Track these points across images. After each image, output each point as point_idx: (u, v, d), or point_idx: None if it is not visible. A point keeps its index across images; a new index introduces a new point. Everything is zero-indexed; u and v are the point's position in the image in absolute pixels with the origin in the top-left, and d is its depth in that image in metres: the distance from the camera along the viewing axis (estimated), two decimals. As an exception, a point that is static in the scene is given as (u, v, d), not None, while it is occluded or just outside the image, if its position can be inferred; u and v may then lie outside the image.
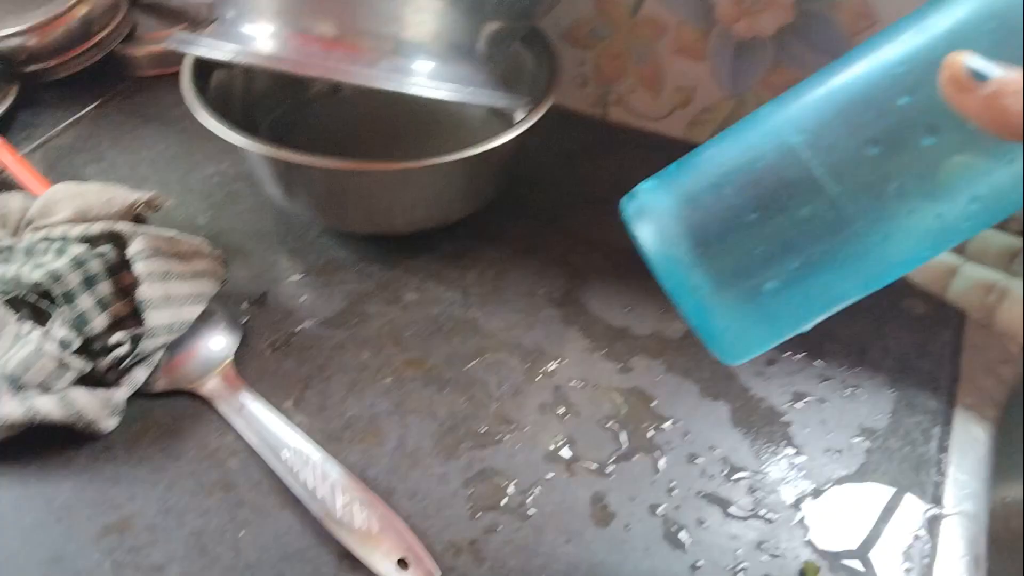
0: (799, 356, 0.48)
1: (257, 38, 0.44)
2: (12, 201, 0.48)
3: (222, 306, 0.47)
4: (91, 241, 0.44)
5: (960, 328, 0.50)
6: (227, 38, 0.45)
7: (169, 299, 0.43)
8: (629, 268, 0.53)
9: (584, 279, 0.52)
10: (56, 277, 0.41)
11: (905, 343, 0.49)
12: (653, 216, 0.29)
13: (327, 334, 0.47)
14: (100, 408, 0.40)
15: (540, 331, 0.49)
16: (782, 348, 0.48)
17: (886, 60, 0.26)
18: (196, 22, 0.72)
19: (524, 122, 0.48)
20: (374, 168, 0.45)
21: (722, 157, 0.29)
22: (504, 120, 0.57)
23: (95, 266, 0.42)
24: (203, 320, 0.45)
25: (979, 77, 0.22)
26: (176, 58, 0.68)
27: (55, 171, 0.58)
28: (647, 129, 0.65)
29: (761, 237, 0.27)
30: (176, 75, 0.68)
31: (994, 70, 0.22)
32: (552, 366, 0.47)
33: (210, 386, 0.43)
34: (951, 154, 0.25)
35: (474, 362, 0.46)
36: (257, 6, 0.44)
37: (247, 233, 0.54)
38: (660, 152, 0.63)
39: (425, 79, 0.44)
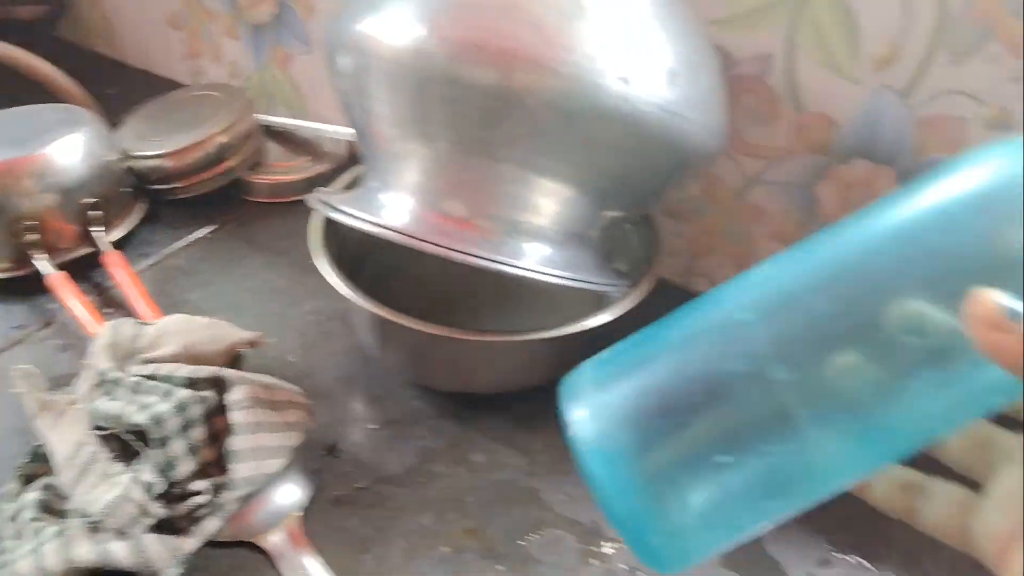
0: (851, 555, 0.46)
1: (393, 209, 0.47)
2: (124, 328, 0.51)
3: (298, 454, 0.49)
4: (195, 384, 0.46)
5: None
6: (365, 205, 0.47)
7: (256, 451, 0.45)
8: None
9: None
10: (158, 421, 0.43)
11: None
12: (591, 406, 0.27)
13: (393, 492, 0.49)
14: (167, 556, 0.41)
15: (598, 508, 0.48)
16: (835, 544, 0.47)
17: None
18: (320, 155, 0.77)
19: (621, 305, 0.49)
20: (467, 338, 0.47)
21: (671, 358, 0.27)
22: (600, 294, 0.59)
23: (195, 411, 0.45)
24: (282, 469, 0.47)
25: (1014, 317, 0.21)
26: (291, 188, 0.74)
27: (163, 293, 0.62)
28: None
29: (708, 445, 0.25)
30: (291, 204, 0.73)
31: None
32: (608, 549, 0.46)
33: (273, 540, 0.45)
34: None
35: (531, 536, 0.47)
36: (399, 181, 0.47)
37: (333, 375, 0.56)
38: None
39: (539, 263, 0.46)
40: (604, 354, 0.29)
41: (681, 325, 0.28)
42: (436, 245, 0.43)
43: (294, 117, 0.82)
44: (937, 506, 0.29)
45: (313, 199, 0.49)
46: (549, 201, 0.45)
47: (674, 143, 0.43)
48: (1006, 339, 0.21)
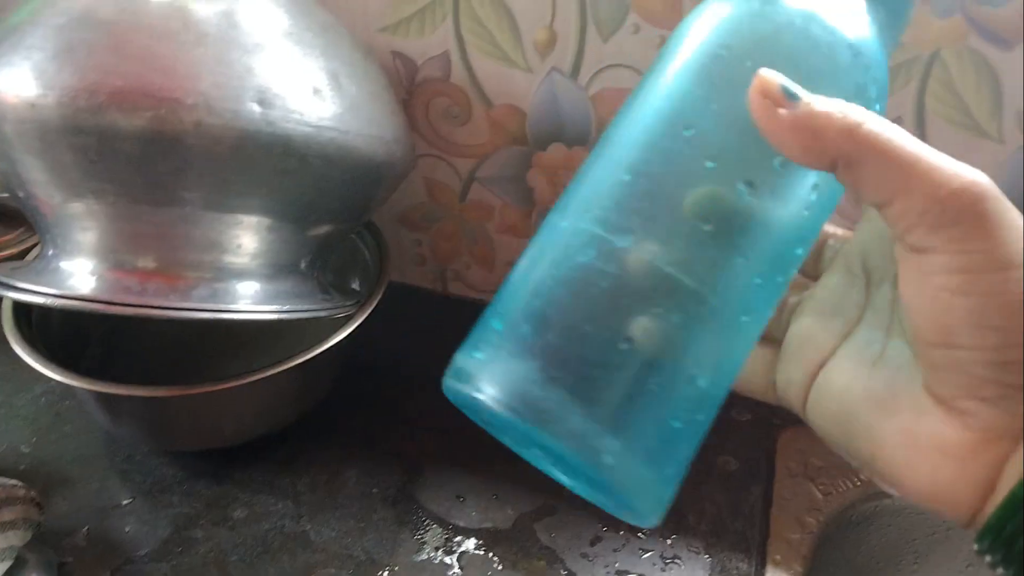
0: (621, 531, 0.49)
1: (75, 276, 0.44)
2: None
3: (37, 552, 0.45)
4: None
5: (770, 481, 0.52)
6: (44, 277, 0.44)
7: (-30, 558, 0.42)
8: (463, 452, 0.53)
9: (418, 471, 0.52)
10: None
11: (719, 503, 0.51)
12: (501, 377, 0.24)
13: (149, 569, 0.46)
14: None
15: (372, 537, 0.48)
16: (606, 524, 0.49)
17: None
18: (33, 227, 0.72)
19: (352, 322, 0.49)
20: (198, 392, 0.45)
21: (548, 285, 0.25)
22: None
23: None
24: (10, 572, 0.43)
25: (791, 97, 0.22)
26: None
27: None
28: (485, 301, 0.66)
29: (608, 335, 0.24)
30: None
31: (805, 93, 0.22)
32: (384, 574, 0.46)
33: (13, 651, 0.41)
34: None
35: (303, 582, 0.46)
36: (77, 245, 0.44)
37: (73, 458, 0.53)
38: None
39: (246, 303, 0.44)
40: (471, 334, 0.27)
41: (520, 267, 0.28)
42: (123, 306, 0.41)
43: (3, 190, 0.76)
44: (747, 369, 0.30)
45: None
46: (245, 236, 0.44)
47: (339, 157, 0.43)
48: (783, 117, 0.22)
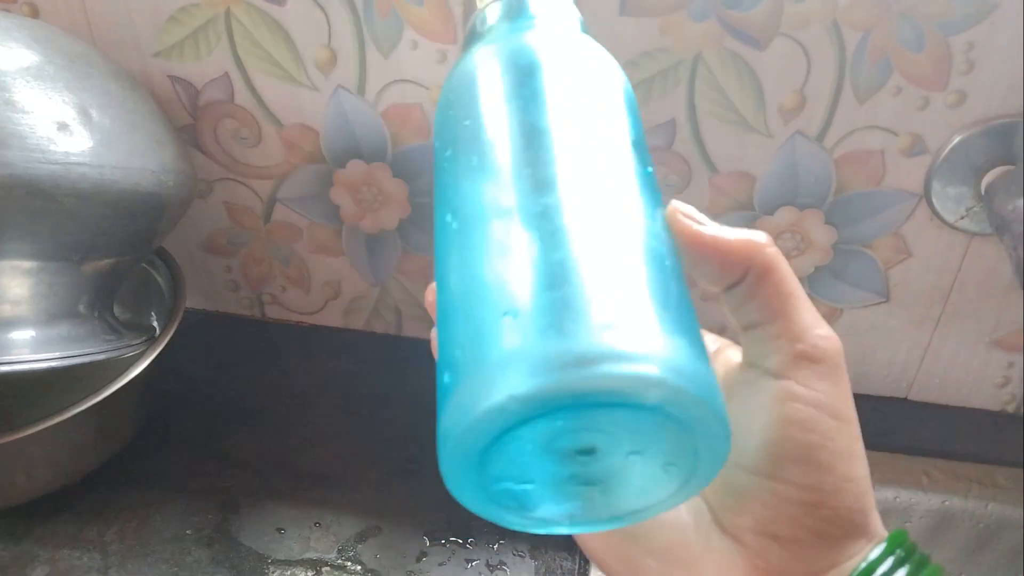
0: (446, 543, 0.49)
1: None
2: None
3: None
4: None
5: None
6: None
7: None
8: (284, 484, 0.52)
9: (236, 507, 0.51)
10: None
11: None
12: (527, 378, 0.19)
13: (-67, 646, 0.43)
14: None
15: (186, 580, 0.47)
16: (431, 539, 0.49)
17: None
18: None
19: (145, 358, 0.47)
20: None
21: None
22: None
23: None
24: None
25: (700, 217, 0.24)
26: None
27: None
28: (306, 323, 0.66)
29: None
30: None
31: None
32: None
33: None
34: None
35: (109, 638, 0.44)
36: None
37: None
38: (319, 344, 0.64)
39: (22, 352, 0.42)
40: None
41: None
42: None
43: None
44: None
45: None
46: (11, 282, 0.42)
47: (94, 193, 0.41)
48: (705, 232, 0.23)
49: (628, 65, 0.48)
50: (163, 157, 0.46)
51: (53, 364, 0.42)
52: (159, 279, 0.56)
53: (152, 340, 0.49)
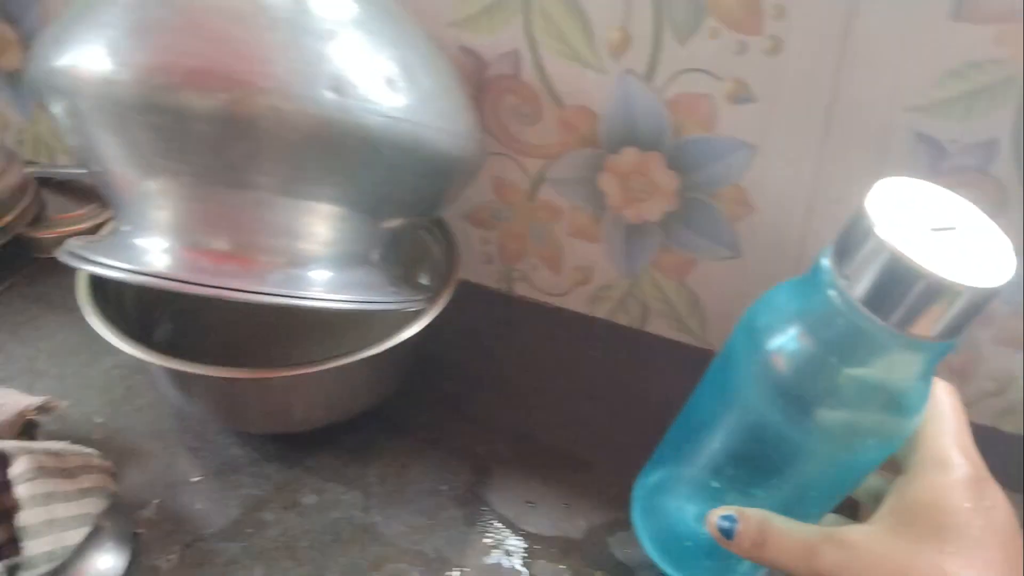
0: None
1: (150, 253, 0.44)
2: None
3: (112, 520, 0.46)
4: (-30, 464, 0.43)
5: None
6: (120, 252, 0.45)
7: (52, 523, 0.42)
8: (532, 457, 0.53)
9: (488, 472, 0.52)
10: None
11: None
12: None
13: (221, 547, 0.46)
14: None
15: (442, 535, 0.48)
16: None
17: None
18: (105, 202, 0.73)
19: (424, 317, 0.49)
20: (269, 376, 0.45)
21: None
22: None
23: (-30, 493, 0.41)
24: (89, 538, 0.44)
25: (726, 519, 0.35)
26: (82, 241, 0.69)
27: (-56, 366, 0.57)
28: (551, 304, 0.67)
29: None
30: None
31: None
32: (455, 575, 0.46)
33: (90, 620, 0.42)
34: None
35: (373, 575, 0.46)
36: (152, 222, 0.44)
37: (145, 432, 0.53)
38: (562, 327, 0.65)
39: (319, 290, 0.44)
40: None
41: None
42: (199, 285, 0.41)
43: (77, 165, 0.77)
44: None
45: (62, 252, 0.46)
46: (318, 223, 0.44)
47: (412, 149, 0.43)
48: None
49: None
50: (467, 124, 0.48)
51: (350, 307, 0.44)
52: (433, 245, 0.58)
53: (430, 300, 0.51)
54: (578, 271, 0.64)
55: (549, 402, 0.58)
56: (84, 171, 0.73)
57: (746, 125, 0.51)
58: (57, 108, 0.43)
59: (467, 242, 0.66)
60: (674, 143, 0.54)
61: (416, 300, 0.50)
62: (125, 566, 0.45)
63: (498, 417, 0.56)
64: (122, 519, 0.47)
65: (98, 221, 0.70)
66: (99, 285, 0.50)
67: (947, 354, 0.29)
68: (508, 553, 0.47)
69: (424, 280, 0.59)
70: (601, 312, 0.65)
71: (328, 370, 0.46)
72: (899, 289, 0.26)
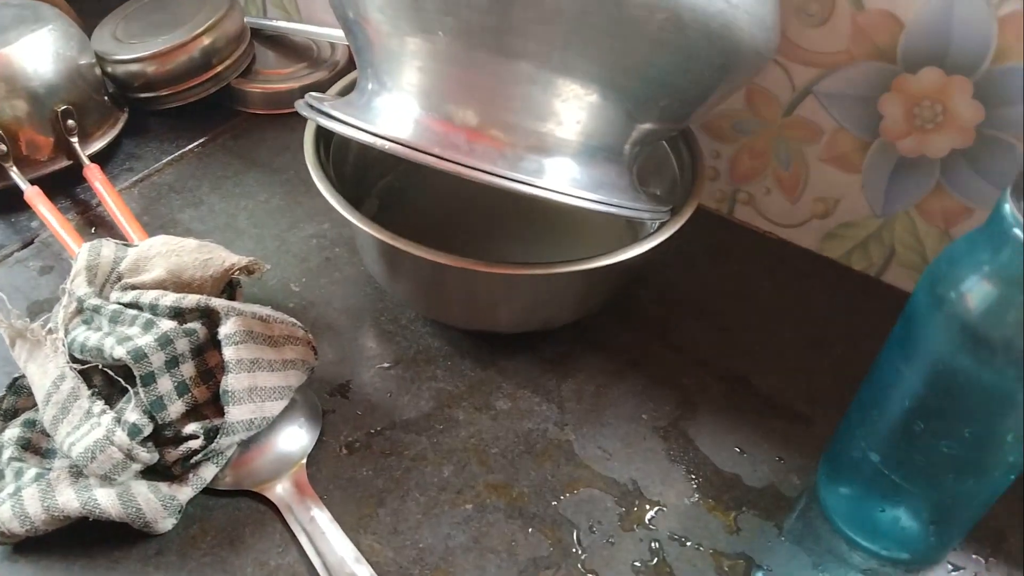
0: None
1: (392, 116, 0.40)
2: (104, 250, 0.45)
3: (303, 394, 0.44)
4: (181, 315, 0.41)
5: None
6: (360, 111, 0.41)
7: (254, 391, 0.40)
8: (745, 401, 0.47)
9: (694, 408, 0.47)
10: (140, 356, 0.38)
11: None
12: None
13: (410, 439, 0.44)
14: (160, 508, 0.37)
15: (640, 466, 0.44)
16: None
17: None
18: (317, 61, 0.70)
19: (656, 235, 0.43)
20: (484, 270, 0.41)
21: None
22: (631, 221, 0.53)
23: (182, 346, 0.40)
24: (283, 412, 0.42)
25: None
26: (287, 97, 0.67)
27: (151, 212, 0.57)
28: (774, 235, 0.59)
29: None
30: (288, 116, 0.66)
31: None
32: (651, 513, 0.42)
33: (279, 491, 0.40)
34: None
35: (565, 496, 0.42)
36: (399, 83, 0.40)
37: (340, 307, 0.51)
38: (785, 263, 0.57)
39: (564, 183, 0.39)
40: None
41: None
42: (442, 159, 0.37)
43: (288, 20, 0.74)
44: None
45: (302, 104, 0.43)
46: (574, 108, 0.38)
47: (718, 36, 0.37)
48: None
49: None
50: (775, 12, 0.41)
51: (602, 208, 0.39)
52: (671, 155, 0.52)
53: (670, 215, 0.45)
54: (820, 202, 0.56)
55: (766, 344, 0.51)
56: (296, 27, 0.71)
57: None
58: None
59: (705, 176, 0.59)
60: (990, 70, 0.45)
61: (661, 212, 0.45)
62: (313, 443, 0.42)
63: (707, 351, 0.50)
64: (314, 395, 0.45)
65: (308, 80, 0.67)
66: (319, 146, 0.47)
67: None
68: (713, 499, 0.42)
69: (655, 191, 0.53)
70: (834, 252, 0.57)
71: (544, 275, 0.42)
72: None
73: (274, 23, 0.72)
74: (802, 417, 0.47)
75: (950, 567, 0.41)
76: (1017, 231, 0.29)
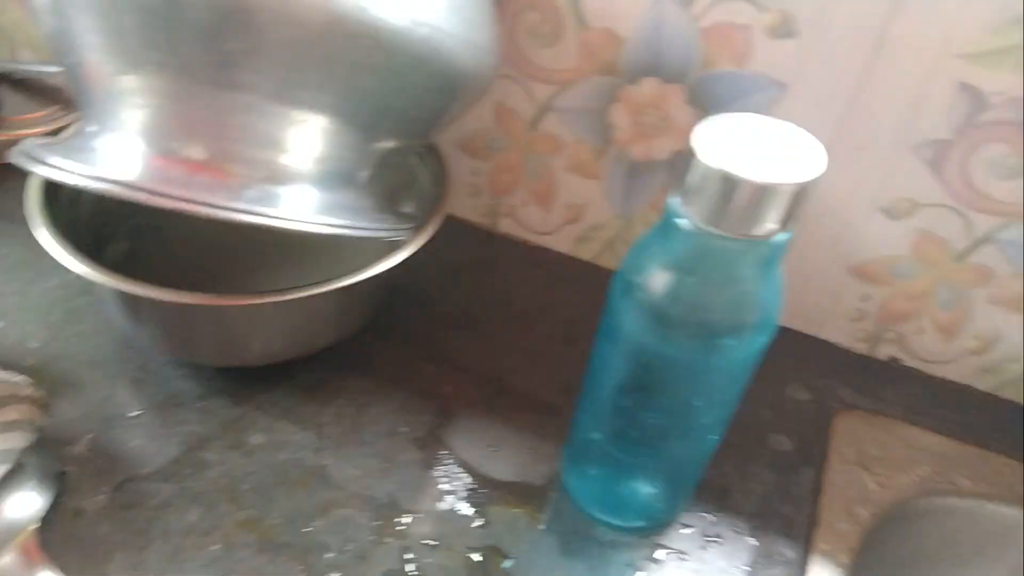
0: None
1: (116, 158, 0.38)
2: None
3: (36, 456, 0.42)
4: None
5: (822, 466, 0.48)
6: (81, 155, 0.39)
7: (-34, 456, 0.38)
8: (498, 400, 0.49)
9: (451, 414, 0.48)
10: None
11: (768, 484, 0.47)
12: None
13: (154, 488, 0.42)
14: None
15: (397, 478, 0.44)
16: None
17: None
18: (70, 104, 0.67)
19: (403, 250, 0.44)
20: (229, 303, 0.41)
21: None
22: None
23: None
24: (8, 476, 0.40)
25: None
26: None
27: None
28: (534, 243, 0.62)
29: None
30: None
31: None
32: (405, 521, 0.42)
33: (5, 562, 0.38)
34: None
35: (318, 521, 0.42)
36: (123, 122, 0.39)
37: (84, 360, 0.49)
38: (543, 268, 0.60)
39: (302, 211, 0.39)
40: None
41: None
42: (167, 197, 0.36)
43: (41, 61, 0.71)
44: None
45: (16, 152, 0.41)
46: (306, 136, 0.39)
47: (428, 59, 0.38)
48: None
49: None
50: (490, 37, 0.42)
51: (332, 231, 0.40)
52: (421, 172, 0.53)
53: (417, 231, 0.46)
54: (569, 209, 0.59)
55: (524, 345, 0.53)
56: (49, 68, 0.68)
57: (781, 62, 0.46)
58: None
59: (455, 172, 0.60)
60: (699, 77, 0.49)
61: (402, 229, 0.45)
62: (46, 508, 0.41)
63: (469, 359, 0.52)
64: (48, 456, 0.43)
65: (59, 125, 0.65)
66: (53, 193, 0.45)
67: (780, 252, 0.32)
68: (464, 499, 0.44)
69: (408, 209, 0.54)
70: (587, 254, 0.60)
71: (294, 300, 0.42)
72: (727, 200, 0.30)
73: (20, 66, 0.69)
74: (553, 408, 0.49)
75: (682, 527, 0.44)
76: (681, 220, 0.32)
